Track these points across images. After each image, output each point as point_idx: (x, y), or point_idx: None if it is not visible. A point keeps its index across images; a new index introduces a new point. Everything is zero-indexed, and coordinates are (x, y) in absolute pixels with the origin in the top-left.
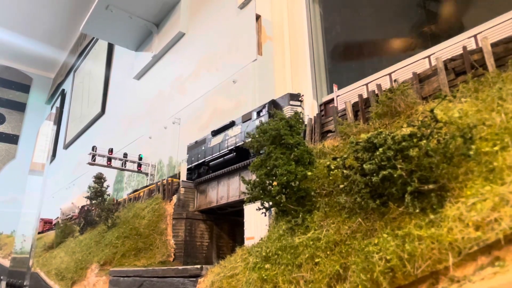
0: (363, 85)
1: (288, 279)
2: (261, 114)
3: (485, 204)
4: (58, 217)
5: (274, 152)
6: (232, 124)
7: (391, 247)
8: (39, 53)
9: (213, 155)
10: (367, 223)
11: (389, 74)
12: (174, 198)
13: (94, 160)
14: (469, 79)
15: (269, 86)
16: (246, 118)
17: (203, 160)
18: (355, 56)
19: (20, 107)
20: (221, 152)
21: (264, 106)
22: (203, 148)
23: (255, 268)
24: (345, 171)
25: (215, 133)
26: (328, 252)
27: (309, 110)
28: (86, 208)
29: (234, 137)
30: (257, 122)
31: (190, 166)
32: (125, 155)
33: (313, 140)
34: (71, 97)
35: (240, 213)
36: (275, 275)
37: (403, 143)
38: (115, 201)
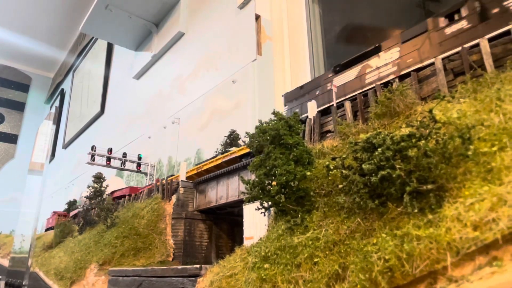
0: None
1: (287, 279)
2: (455, 17)
3: (483, 204)
4: (77, 208)
5: (273, 152)
6: (376, 49)
7: (390, 247)
8: (39, 52)
9: (344, 98)
10: (366, 223)
11: None
12: (174, 198)
13: (93, 160)
14: (468, 79)
15: (269, 86)
16: (414, 32)
17: (324, 108)
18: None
19: (19, 107)
20: (362, 89)
21: (465, 1)
22: (317, 92)
23: (254, 267)
24: (344, 171)
25: (341, 67)
26: (327, 252)
27: (309, 110)
28: (86, 208)
29: (385, 67)
30: (449, 31)
31: None
32: (124, 154)
33: (312, 140)
34: (71, 97)
35: (240, 213)
36: (274, 274)
37: (402, 143)
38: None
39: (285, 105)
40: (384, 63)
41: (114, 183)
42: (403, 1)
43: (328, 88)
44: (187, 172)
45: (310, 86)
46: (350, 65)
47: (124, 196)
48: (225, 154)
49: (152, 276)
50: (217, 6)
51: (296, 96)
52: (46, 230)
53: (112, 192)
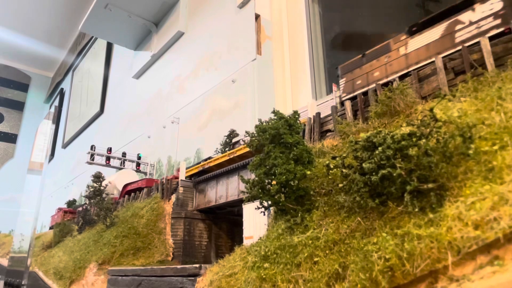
0: None
1: (287, 278)
2: None
3: (484, 203)
4: (83, 205)
5: (273, 151)
6: (469, 1)
7: (390, 246)
8: (38, 52)
9: (428, 61)
10: (366, 222)
11: None
12: (173, 197)
13: (93, 159)
14: (469, 78)
15: (268, 85)
16: None
17: (395, 77)
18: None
19: (19, 106)
20: (453, 49)
21: None
22: (386, 60)
23: (254, 267)
24: (344, 170)
25: (420, 26)
26: (327, 251)
27: (309, 110)
28: (86, 207)
29: (484, 21)
30: None
31: (354, 94)
32: (124, 154)
33: (312, 139)
34: (70, 96)
35: (239, 213)
36: (274, 274)
37: (403, 142)
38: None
39: (341, 78)
40: (482, 17)
41: (125, 176)
42: (403, 0)
43: (402, 53)
44: (215, 160)
45: (375, 53)
46: (431, 23)
47: (140, 189)
48: None
49: (151, 275)
50: (217, 6)
51: (357, 66)
52: (51, 228)
53: (125, 186)
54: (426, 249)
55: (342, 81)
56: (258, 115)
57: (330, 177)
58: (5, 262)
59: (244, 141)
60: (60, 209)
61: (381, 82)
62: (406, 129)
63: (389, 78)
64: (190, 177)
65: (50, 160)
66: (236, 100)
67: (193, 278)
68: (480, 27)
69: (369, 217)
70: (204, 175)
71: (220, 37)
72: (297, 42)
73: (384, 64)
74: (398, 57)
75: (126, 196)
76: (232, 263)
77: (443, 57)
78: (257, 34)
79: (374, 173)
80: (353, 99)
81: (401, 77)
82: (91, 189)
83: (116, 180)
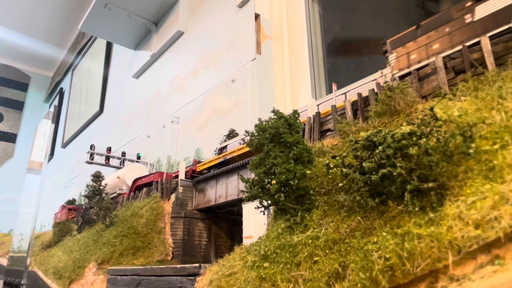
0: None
1: (287, 278)
2: None
3: (485, 202)
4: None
5: (273, 151)
6: None
7: (390, 246)
8: (38, 51)
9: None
10: (366, 221)
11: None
12: (173, 197)
13: (92, 159)
14: (469, 77)
15: (268, 85)
16: None
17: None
18: (354, 55)
19: (18, 106)
20: None
21: None
22: (447, 29)
23: (254, 266)
24: (344, 169)
25: None
26: (327, 251)
27: (309, 109)
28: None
29: None
30: None
31: (409, 70)
32: (123, 154)
33: (312, 138)
34: (70, 96)
35: (239, 212)
36: (274, 273)
37: (403, 142)
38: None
39: (390, 53)
40: None
41: (135, 171)
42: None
43: (467, 21)
44: (238, 150)
45: (432, 24)
46: None
47: (151, 183)
48: None
49: (151, 275)
50: (217, 5)
51: (410, 39)
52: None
53: (136, 180)
54: (427, 248)
55: (392, 57)
56: (258, 114)
57: (330, 176)
58: (4, 261)
59: (243, 140)
60: (63, 206)
61: (443, 54)
62: (406, 128)
63: (455, 49)
64: (209, 168)
65: (49, 159)
66: (236, 100)
67: (192, 277)
68: None
69: (369, 217)
70: (203, 176)
71: (220, 37)
72: (297, 42)
73: (446, 35)
74: (463, 26)
75: (136, 191)
76: (232, 263)
77: (443, 57)
78: (257, 33)
79: (374, 172)
80: (407, 75)
81: (470, 47)
82: (91, 189)
83: (126, 175)
